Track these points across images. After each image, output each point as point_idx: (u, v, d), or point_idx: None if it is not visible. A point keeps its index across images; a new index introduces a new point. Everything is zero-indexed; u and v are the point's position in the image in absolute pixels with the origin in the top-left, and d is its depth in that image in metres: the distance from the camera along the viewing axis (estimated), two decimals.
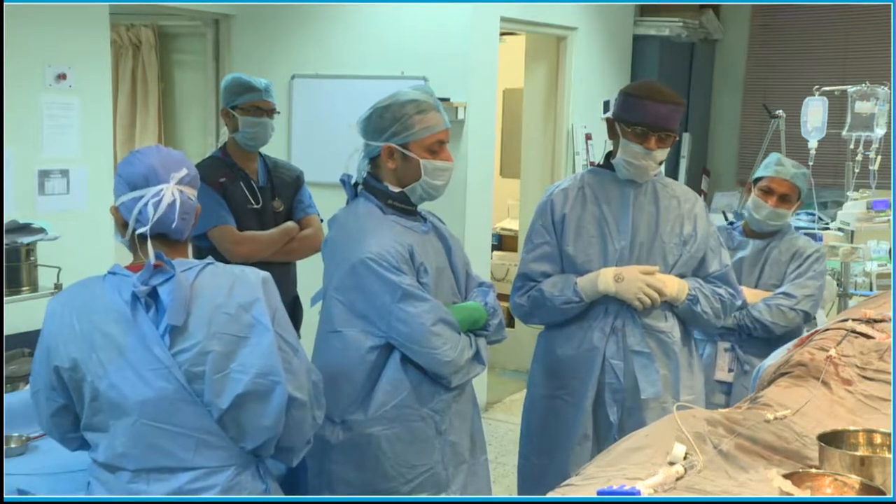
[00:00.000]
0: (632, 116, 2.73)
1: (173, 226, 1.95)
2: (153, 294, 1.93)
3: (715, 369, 3.31)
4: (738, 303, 2.97)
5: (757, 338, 3.24)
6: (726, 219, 3.75)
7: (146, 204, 1.93)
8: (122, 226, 1.98)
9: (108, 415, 1.94)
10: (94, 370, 1.91)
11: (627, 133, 2.75)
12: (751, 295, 3.26)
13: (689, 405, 2.25)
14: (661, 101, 2.71)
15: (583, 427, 2.82)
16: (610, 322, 2.81)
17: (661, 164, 2.80)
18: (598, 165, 2.96)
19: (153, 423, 1.91)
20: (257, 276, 2.00)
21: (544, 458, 2.92)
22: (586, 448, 2.80)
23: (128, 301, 1.92)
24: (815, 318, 3.39)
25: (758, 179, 3.36)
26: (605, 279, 2.76)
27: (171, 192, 1.95)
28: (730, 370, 3.28)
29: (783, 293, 3.25)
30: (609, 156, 2.88)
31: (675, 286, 2.78)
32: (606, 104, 6.21)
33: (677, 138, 2.81)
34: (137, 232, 1.93)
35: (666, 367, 2.80)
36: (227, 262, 3.36)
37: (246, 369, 1.92)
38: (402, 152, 2.42)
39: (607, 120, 2.86)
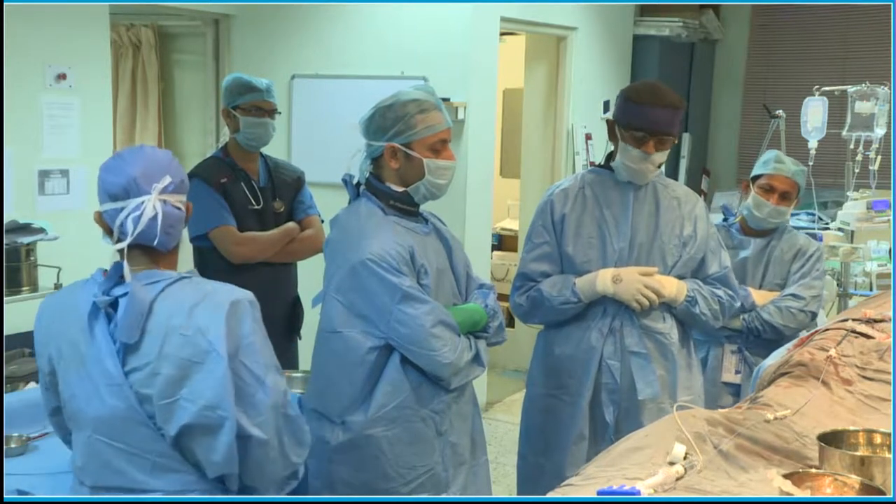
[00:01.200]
0: (631, 121, 2.73)
1: (155, 242, 1.85)
2: (116, 305, 1.84)
3: (722, 371, 3.30)
4: (738, 304, 2.97)
5: (764, 339, 3.23)
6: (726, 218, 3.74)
7: (126, 217, 1.83)
8: (108, 232, 1.90)
9: (71, 425, 1.91)
10: (62, 376, 1.88)
11: (626, 137, 2.75)
12: (758, 297, 3.25)
13: (689, 405, 2.25)
14: (661, 105, 2.70)
15: (579, 427, 2.83)
16: (608, 322, 2.81)
17: (660, 166, 2.80)
18: (599, 166, 2.96)
19: (107, 441, 1.84)
20: (227, 298, 1.84)
21: (541, 458, 2.92)
22: (582, 448, 2.80)
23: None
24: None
25: (756, 177, 3.34)
26: (603, 280, 2.76)
27: (153, 206, 1.83)
28: (737, 372, 3.27)
29: (791, 295, 3.24)
30: (610, 156, 2.88)
31: (673, 287, 2.78)
32: (606, 104, 6.21)
33: (676, 140, 2.80)
34: (116, 247, 1.85)
35: (663, 368, 2.80)
36: (228, 262, 3.41)
37: (195, 399, 1.79)
38: (404, 152, 2.42)
39: (607, 121, 2.86)
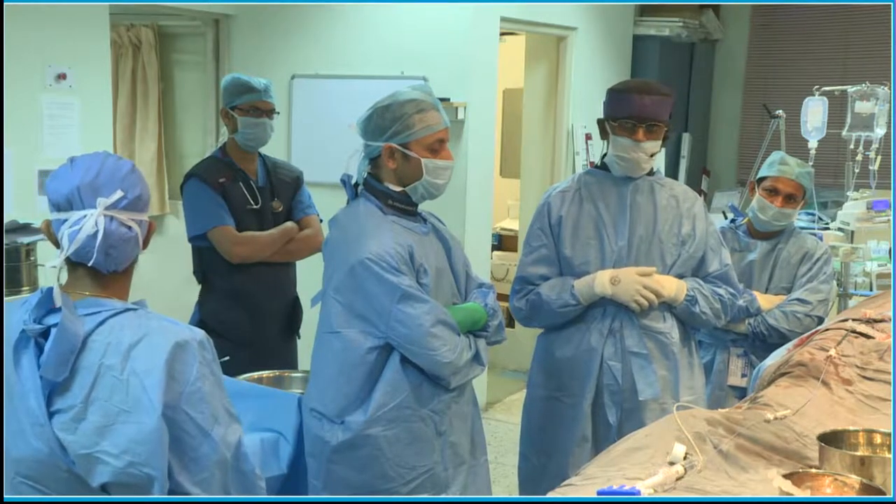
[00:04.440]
0: (619, 111, 2.75)
1: (92, 261, 1.63)
2: (48, 335, 1.61)
3: (728, 375, 3.29)
4: (739, 302, 2.96)
5: (770, 343, 3.21)
6: (726, 217, 3.73)
7: (64, 232, 1.63)
8: (55, 244, 1.69)
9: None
10: None
11: (616, 128, 2.76)
12: (765, 301, 3.23)
13: (690, 405, 2.25)
14: (647, 92, 2.73)
15: (581, 429, 2.82)
16: (608, 323, 2.80)
17: (653, 156, 2.79)
18: (595, 167, 2.96)
19: (32, 484, 1.64)
20: (172, 339, 1.62)
21: (543, 459, 2.92)
22: (585, 449, 2.80)
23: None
24: None
25: (761, 179, 3.32)
26: (601, 282, 2.76)
27: (94, 222, 1.62)
28: (743, 375, 3.26)
29: (798, 300, 3.21)
30: (605, 157, 2.88)
31: (672, 287, 2.78)
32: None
33: (668, 129, 2.80)
34: (49, 265, 1.65)
35: (665, 368, 2.80)
36: (227, 262, 3.40)
37: (118, 454, 1.57)
38: (402, 152, 2.42)
39: (598, 121, 2.87)
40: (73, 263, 1.66)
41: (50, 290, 1.63)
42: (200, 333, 1.68)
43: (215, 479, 1.64)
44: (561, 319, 2.84)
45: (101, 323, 1.63)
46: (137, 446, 1.57)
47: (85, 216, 1.63)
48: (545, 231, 2.87)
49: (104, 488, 1.61)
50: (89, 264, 1.64)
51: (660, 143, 2.78)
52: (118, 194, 1.65)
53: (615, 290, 2.74)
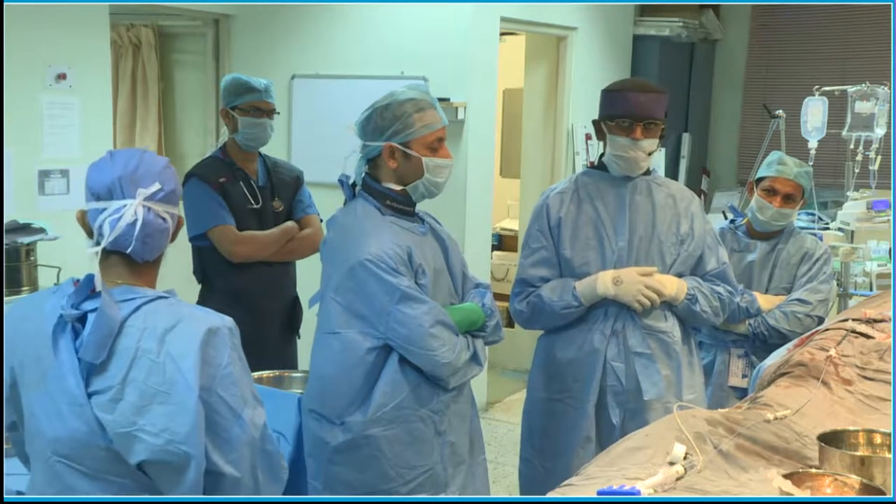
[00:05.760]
0: (615, 110, 2.75)
1: (130, 249, 1.72)
2: (84, 320, 1.70)
3: (729, 375, 3.29)
4: (737, 300, 2.97)
5: (770, 344, 3.21)
6: (726, 217, 3.72)
7: (105, 219, 1.71)
8: (88, 233, 1.78)
9: (28, 445, 1.79)
10: (24, 392, 1.75)
11: (613, 128, 2.76)
12: (765, 301, 3.23)
13: (690, 405, 2.25)
14: (642, 90, 2.74)
15: (585, 430, 2.81)
16: (610, 324, 2.80)
17: (650, 154, 2.79)
18: (592, 167, 2.96)
19: (68, 463, 1.71)
20: (204, 325, 1.71)
21: (548, 462, 2.91)
22: (590, 450, 2.79)
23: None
24: None
25: (760, 179, 3.31)
26: (603, 283, 2.76)
27: (135, 211, 1.71)
28: (744, 376, 3.25)
29: (798, 300, 3.21)
30: (602, 158, 2.88)
31: (674, 286, 2.78)
32: None
33: (664, 127, 2.80)
34: (90, 250, 1.73)
35: (668, 368, 2.80)
36: (227, 262, 3.40)
37: (156, 432, 1.65)
38: (403, 151, 2.42)
39: (594, 122, 2.87)
40: (107, 252, 1.73)
41: (89, 276, 1.71)
42: (230, 321, 1.76)
43: (245, 459, 1.73)
44: (563, 321, 2.84)
45: (136, 309, 1.71)
46: (175, 425, 1.65)
47: (125, 205, 1.71)
48: (544, 233, 2.87)
49: (141, 467, 1.69)
50: (127, 251, 1.72)
51: (657, 141, 2.78)
52: (156, 186, 1.74)
53: (618, 290, 2.74)
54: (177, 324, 1.70)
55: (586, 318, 2.83)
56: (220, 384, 1.70)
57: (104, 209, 1.73)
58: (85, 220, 1.78)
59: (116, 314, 1.68)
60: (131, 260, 1.75)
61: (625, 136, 2.74)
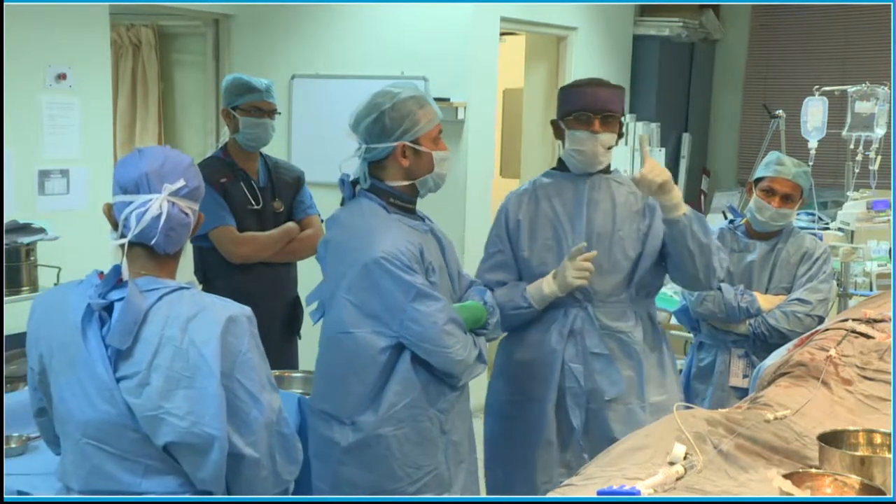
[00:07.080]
0: (572, 105, 2.75)
1: (153, 241, 1.80)
2: (110, 309, 1.80)
3: (729, 376, 3.29)
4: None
5: (771, 343, 3.20)
6: (725, 218, 3.72)
7: (131, 212, 1.80)
8: (114, 226, 1.86)
9: (59, 428, 1.88)
10: (53, 378, 1.84)
11: (571, 122, 2.76)
12: (765, 301, 3.22)
13: (690, 405, 2.25)
14: (598, 85, 2.75)
15: (546, 433, 2.77)
16: (568, 325, 2.76)
17: (609, 149, 2.77)
18: (553, 169, 2.95)
19: (97, 444, 1.81)
20: (224, 313, 1.80)
21: (509, 467, 2.88)
22: (551, 453, 2.76)
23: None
24: None
25: (758, 180, 3.31)
26: (547, 282, 2.73)
27: (160, 205, 1.80)
28: (744, 376, 3.25)
29: (798, 299, 3.19)
30: (561, 157, 2.88)
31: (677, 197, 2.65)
32: None
33: (622, 121, 2.78)
34: (116, 242, 1.82)
35: (629, 368, 2.75)
36: (228, 262, 3.40)
37: (182, 415, 1.75)
38: (413, 148, 2.43)
39: (552, 122, 2.86)
40: (131, 245, 1.81)
41: (116, 267, 1.81)
42: (248, 310, 1.85)
43: (263, 441, 1.82)
44: (515, 322, 2.79)
45: (160, 298, 1.79)
46: (200, 408, 1.75)
47: (151, 199, 1.80)
48: (501, 237, 2.85)
49: (166, 448, 1.79)
50: (151, 243, 1.80)
51: (615, 136, 2.76)
52: (181, 182, 1.83)
53: (558, 283, 2.71)
54: (199, 312, 1.78)
55: (544, 318, 2.78)
56: (239, 370, 1.79)
57: (130, 202, 1.80)
58: (111, 213, 1.85)
59: (142, 302, 1.77)
60: (154, 252, 1.83)
61: (583, 130, 2.73)
